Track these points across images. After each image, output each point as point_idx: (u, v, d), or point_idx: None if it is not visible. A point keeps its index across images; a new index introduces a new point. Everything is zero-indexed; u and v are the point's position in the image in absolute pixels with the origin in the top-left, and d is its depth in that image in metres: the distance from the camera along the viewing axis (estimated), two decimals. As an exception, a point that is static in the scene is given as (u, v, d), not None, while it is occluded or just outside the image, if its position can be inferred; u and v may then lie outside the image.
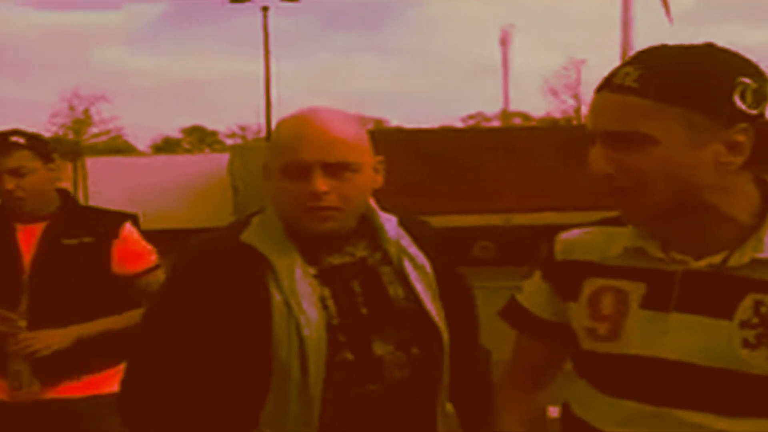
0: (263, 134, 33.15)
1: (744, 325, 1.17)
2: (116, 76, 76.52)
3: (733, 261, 1.20)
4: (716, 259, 1.21)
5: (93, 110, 38.33)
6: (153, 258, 2.76)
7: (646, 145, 1.18)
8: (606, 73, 1.26)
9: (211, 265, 1.57)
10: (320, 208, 1.53)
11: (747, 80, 1.18)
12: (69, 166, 25.36)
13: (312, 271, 1.57)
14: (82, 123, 38.37)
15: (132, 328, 2.57)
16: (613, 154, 1.21)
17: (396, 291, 1.61)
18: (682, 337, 1.20)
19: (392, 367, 1.56)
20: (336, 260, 1.60)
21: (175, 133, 56.23)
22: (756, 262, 1.19)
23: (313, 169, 1.51)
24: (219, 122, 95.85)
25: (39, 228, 2.65)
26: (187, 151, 46.61)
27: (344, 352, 1.54)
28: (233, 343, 1.51)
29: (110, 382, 2.55)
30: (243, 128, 53.56)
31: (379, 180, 1.63)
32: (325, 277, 1.58)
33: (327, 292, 1.56)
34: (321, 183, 1.51)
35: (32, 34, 80.00)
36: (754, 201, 1.24)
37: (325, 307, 1.55)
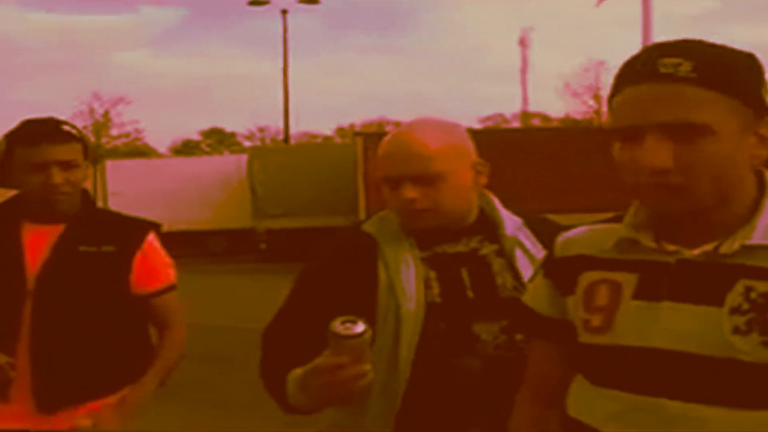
0: (281, 136, 33.25)
1: (734, 311, 1.17)
2: (135, 79, 76.94)
3: (725, 248, 1.20)
4: (708, 247, 1.21)
5: (113, 113, 38.63)
6: (172, 274, 2.47)
7: (704, 136, 1.17)
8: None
9: (337, 249, 1.84)
10: (414, 211, 1.73)
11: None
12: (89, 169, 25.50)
13: (421, 255, 1.76)
14: (101, 126, 38.65)
15: (150, 353, 2.39)
16: (671, 147, 1.18)
17: (504, 280, 1.74)
18: (674, 326, 1.20)
19: (489, 344, 1.68)
20: (449, 249, 1.77)
21: (194, 136, 56.54)
22: (746, 249, 1.19)
23: (401, 181, 1.73)
24: (238, 124, 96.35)
25: (52, 230, 2.33)
26: (207, 153, 46.81)
27: (440, 325, 1.69)
28: (347, 313, 1.61)
29: None
30: (261, 129, 53.86)
31: (481, 180, 1.80)
32: (433, 261, 1.76)
33: (433, 274, 1.74)
34: (410, 192, 1.72)
35: (50, 38, 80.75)
36: (752, 192, 1.25)
37: (428, 287, 1.72)
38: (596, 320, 1.28)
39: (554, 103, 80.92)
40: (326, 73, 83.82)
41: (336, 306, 1.67)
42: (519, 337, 1.67)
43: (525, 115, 40.87)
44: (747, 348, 1.15)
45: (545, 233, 1.75)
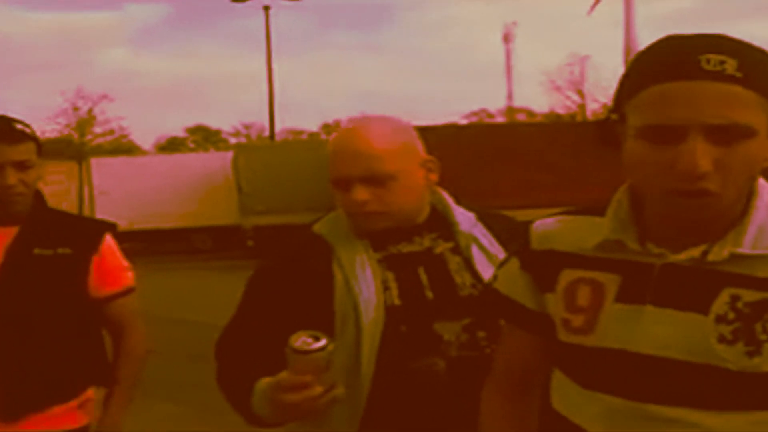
0: (267, 133, 33.16)
1: (720, 320, 1.15)
2: (119, 76, 76.51)
3: (713, 255, 1.17)
4: (695, 252, 1.18)
5: (97, 110, 38.38)
6: (130, 276, 2.42)
7: (745, 138, 1.12)
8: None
9: (287, 253, 1.79)
10: (366, 213, 1.69)
11: None
12: (74, 167, 25.39)
13: (377, 256, 1.71)
14: (86, 123, 38.40)
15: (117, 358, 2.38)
16: (712, 149, 1.11)
17: (463, 278, 1.70)
18: (657, 331, 1.18)
19: (452, 345, 1.65)
20: (404, 249, 1.73)
21: (179, 133, 56.27)
22: (735, 257, 1.17)
23: (352, 182, 1.69)
24: (223, 121, 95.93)
25: (6, 233, 2.26)
26: (192, 150, 46.62)
27: (401, 327, 1.65)
28: (303, 321, 1.60)
29: (72, 416, 2.31)
30: (247, 126, 53.65)
31: (432, 177, 1.77)
32: (389, 262, 1.71)
33: (390, 275, 1.70)
34: (360, 194, 1.68)
35: (34, 35, 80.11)
36: (745, 197, 1.22)
37: (387, 289, 1.68)
38: (578, 321, 1.26)
39: (539, 98, 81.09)
40: (312, 70, 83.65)
41: (290, 312, 1.65)
42: (482, 334, 1.65)
43: (510, 110, 40.94)
44: (732, 357, 1.14)
45: (499, 228, 1.75)
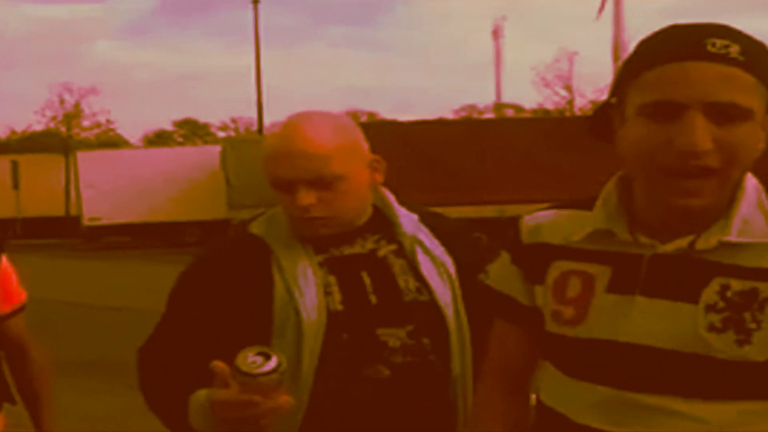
0: (255, 127, 33.09)
1: (709, 309, 1.17)
2: (107, 69, 76.28)
3: (700, 245, 1.19)
4: (683, 242, 1.20)
5: (84, 104, 38.21)
6: (24, 293, 2.27)
7: (744, 120, 1.15)
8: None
9: (222, 254, 1.70)
10: (310, 219, 1.61)
11: None
12: (60, 160, 25.28)
13: (318, 259, 1.63)
14: (72, 116, 38.23)
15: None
16: (712, 128, 1.14)
17: (407, 282, 1.64)
18: (647, 321, 1.20)
19: (396, 352, 1.59)
20: (346, 251, 1.66)
21: (167, 126, 56.12)
22: (723, 246, 1.19)
23: (295, 185, 1.59)
24: (211, 115, 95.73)
25: None
26: (180, 144, 46.51)
27: (343, 334, 1.59)
28: (237, 326, 1.56)
29: None
30: (235, 121, 53.58)
31: (378, 178, 1.68)
32: (331, 265, 1.64)
33: (332, 279, 1.62)
34: (305, 198, 1.59)
35: (21, 28, 79.65)
36: (732, 188, 1.23)
37: (328, 293, 1.61)
38: (568, 312, 1.27)
39: (528, 93, 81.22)
40: (301, 63, 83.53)
41: (225, 317, 1.59)
42: (426, 341, 1.61)
43: (498, 106, 40.97)
44: (722, 346, 1.16)
45: (442, 229, 1.71)
